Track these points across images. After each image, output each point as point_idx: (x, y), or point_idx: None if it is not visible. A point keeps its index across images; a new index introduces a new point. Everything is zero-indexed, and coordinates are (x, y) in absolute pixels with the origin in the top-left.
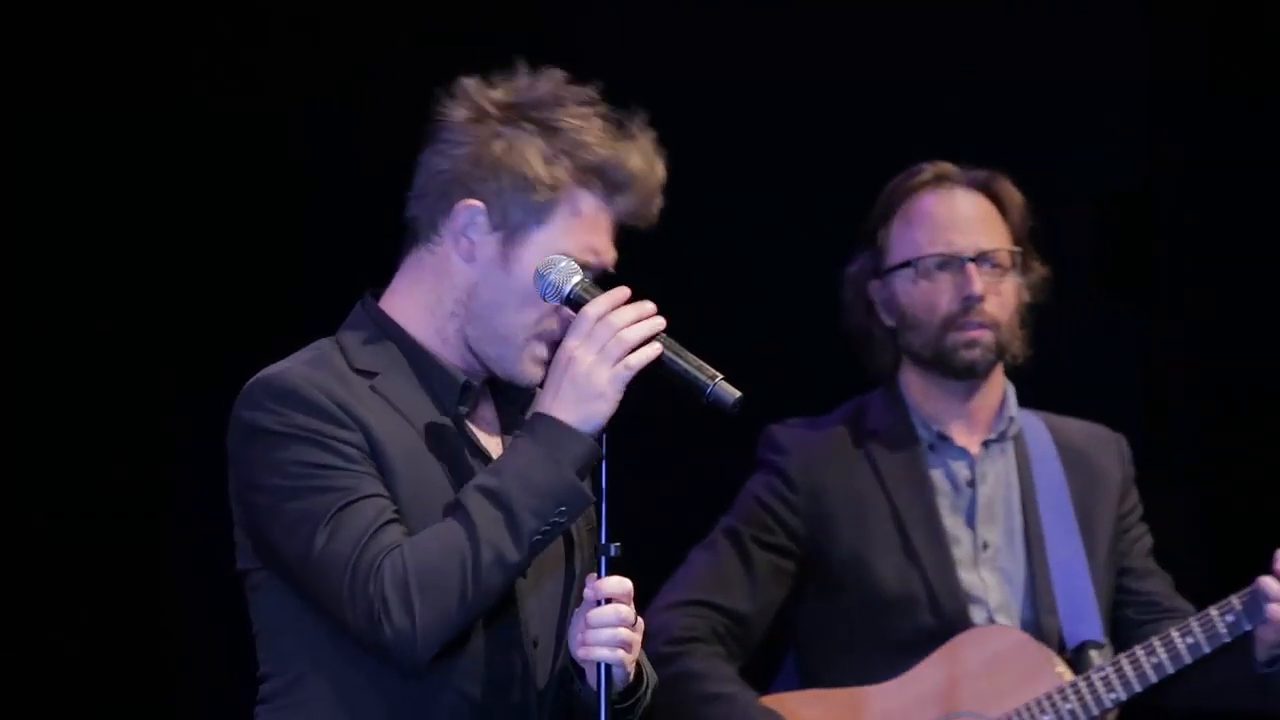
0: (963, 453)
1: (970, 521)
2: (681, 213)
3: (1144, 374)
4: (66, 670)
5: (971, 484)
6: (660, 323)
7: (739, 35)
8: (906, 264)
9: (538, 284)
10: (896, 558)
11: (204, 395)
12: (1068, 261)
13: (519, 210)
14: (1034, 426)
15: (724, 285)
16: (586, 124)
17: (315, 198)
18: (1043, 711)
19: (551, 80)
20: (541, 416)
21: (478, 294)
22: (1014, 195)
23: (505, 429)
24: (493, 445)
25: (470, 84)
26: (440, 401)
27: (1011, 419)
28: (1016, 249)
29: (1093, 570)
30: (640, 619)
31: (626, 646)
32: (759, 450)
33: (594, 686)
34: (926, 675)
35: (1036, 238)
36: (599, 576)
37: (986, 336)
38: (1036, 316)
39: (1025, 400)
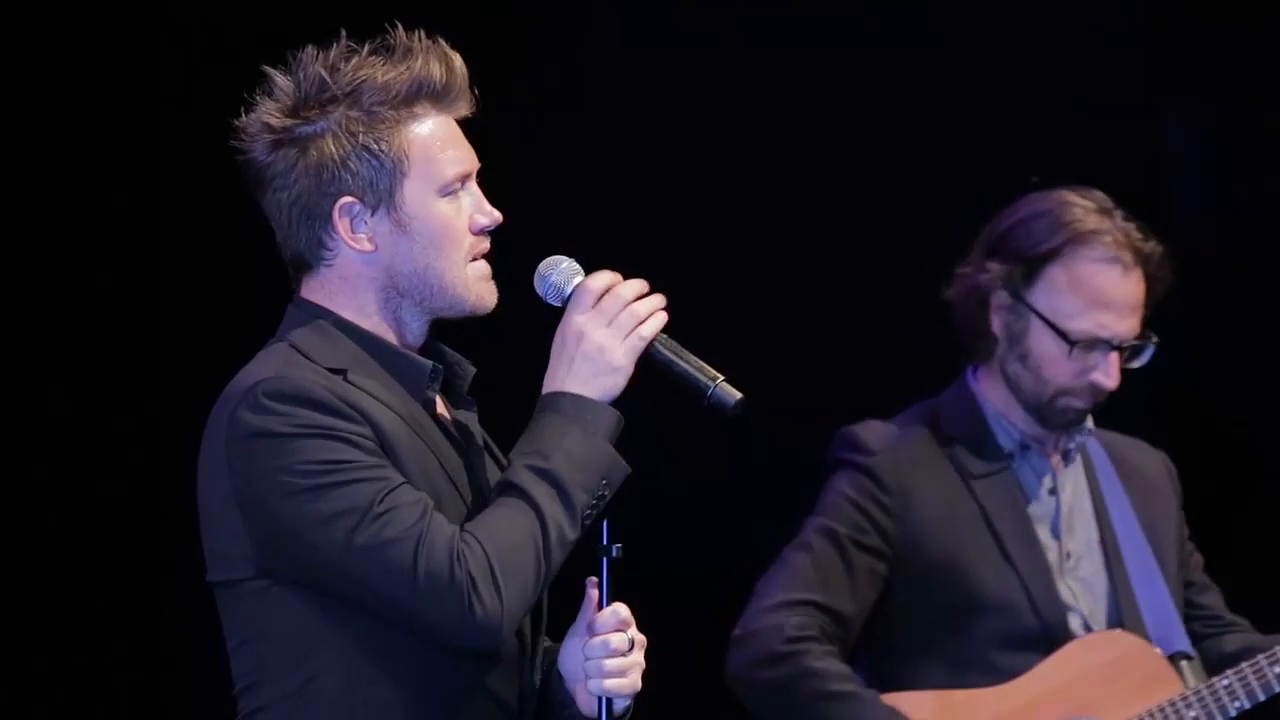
0: (1044, 462)
1: (1055, 531)
2: (682, 213)
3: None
4: (65, 671)
5: (1054, 493)
6: (661, 299)
7: (739, 36)
8: (1057, 329)
9: (538, 285)
10: (994, 562)
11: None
12: None
13: (381, 176)
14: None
15: (725, 285)
16: (366, 69)
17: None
18: (1165, 718)
19: (308, 63)
20: (561, 393)
21: (398, 269)
22: (1166, 274)
23: (454, 404)
24: (455, 425)
25: (246, 120)
26: (410, 388)
27: (1090, 432)
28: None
29: (1167, 582)
30: (641, 637)
31: (618, 675)
32: (838, 450)
33: (587, 712)
34: (1045, 678)
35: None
36: (599, 579)
37: (1090, 406)
38: None
39: None
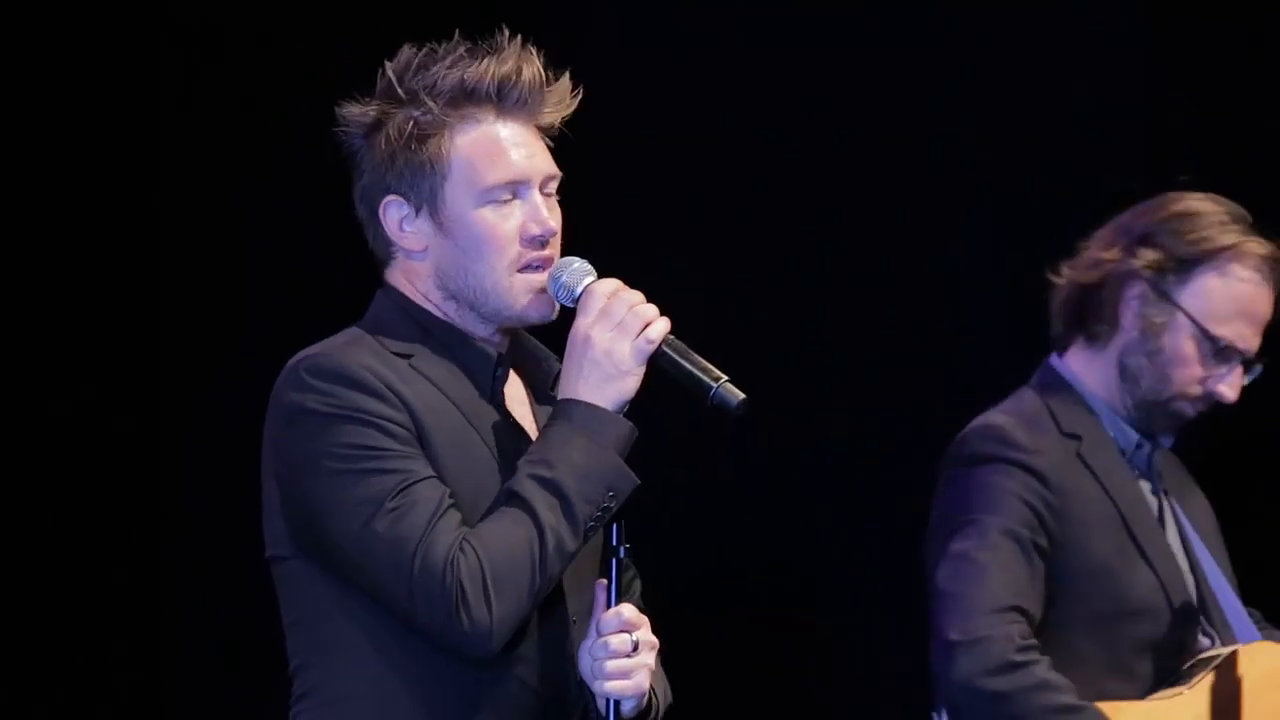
0: (1146, 462)
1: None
2: (683, 214)
3: None
4: (65, 671)
5: (1155, 494)
6: (666, 322)
7: (741, 35)
8: (1199, 325)
9: (550, 285)
10: (1141, 566)
11: (202, 393)
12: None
13: (421, 179)
14: None
15: (726, 286)
16: (438, 66)
17: (314, 196)
18: None
19: (399, 59)
20: (574, 401)
21: (445, 271)
22: None
23: (538, 400)
24: (527, 420)
25: (343, 109)
26: (476, 379)
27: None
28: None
29: (1232, 585)
30: (650, 638)
31: (621, 676)
32: (987, 445)
33: (602, 712)
34: (1216, 689)
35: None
36: (608, 579)
37: (1197, 415)
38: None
39: None
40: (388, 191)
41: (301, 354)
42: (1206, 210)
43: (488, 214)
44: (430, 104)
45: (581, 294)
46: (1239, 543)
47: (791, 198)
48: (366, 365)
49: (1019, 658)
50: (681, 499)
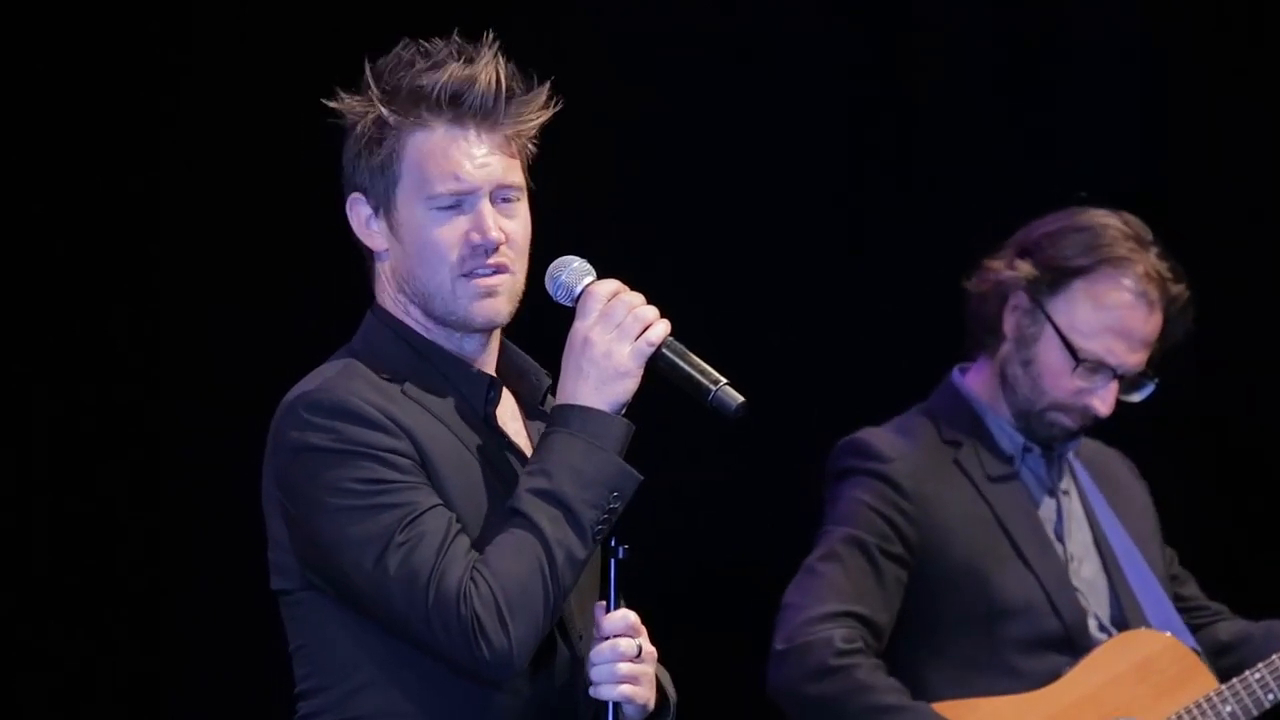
0: (1043, 465)
1: (1059, 534)
2: (683, 215)
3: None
4: (65, 671)
5: (1053, 495)
6: (666, 325)
7: (742, 34)
8: (1068, 344)
9: (549, 285)
10: (1012, 566)
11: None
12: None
13: (377, 179)
14: None
15: (727, 287)
16: (406, 73)
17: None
18: (1203, 714)
19: (386, 59)
20: (570, 406)
21: (400, 274)
22: (1186, 319)
23: (529, 415)
24: (520, 438)
25: (329, 104)
26: (467, 400)
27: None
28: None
29: (1159, 580)
30: (649, 648)
31: (631, 680)
32: (846, 459)
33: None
34: (1081, 681)
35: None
36: (607, 581)
37: (1079, 428)
38: None
39: None
40: (354, 189)
41: (298, 390)
42: (1096, 225)
43: (431, 220)
44: (387, 107)
45: (581, 294)
46: (1239, 543)
47: (792, 198)
48: (365, 397)
49: (836, 662)
50: (680, 503)
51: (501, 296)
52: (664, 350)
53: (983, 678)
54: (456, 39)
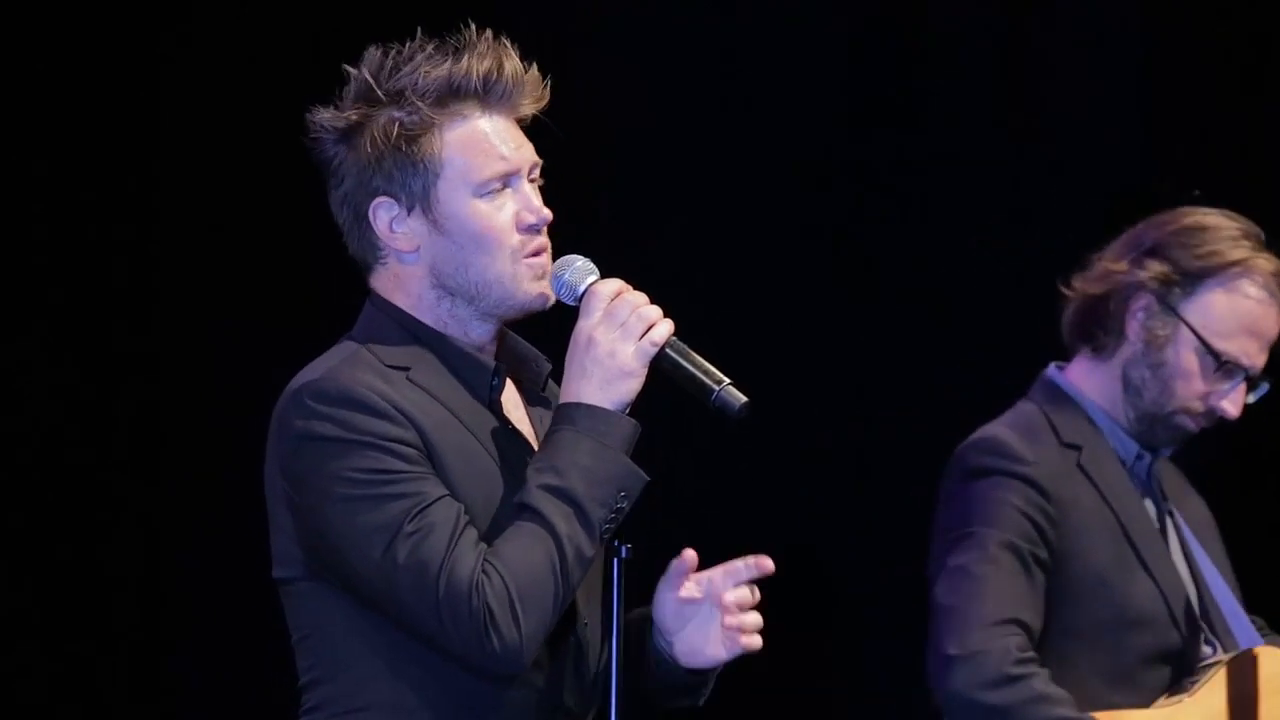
0: (1147, 472)
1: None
2: (683, 215)
3: None
4: (65, 670)
5: (1155, 504)
6: (670, 324)
7: (742, 35)
8: (1202, 340)
9: (552, 284)
10: (1140, 576)
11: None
12: (1068, 262)
13: (414, 178)
14: None
15: (729, 287)
16: (413, 70)
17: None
18: None
19: (367, 61)
20: (576, 405)
21: (441, 268)
22: None
23: (530, 401)
24: (524, 424)
25: (315, 117)
26: (472, 388)
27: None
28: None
29: (1234, 590)
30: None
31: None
32: (984, 457)
33: (686, 662)
34: (1218, 695)
35: None
36: (610, 580)
37: (1198, 430)
38: (1039, 316)
39: None
40: (376, 194)
41: (302, 378)
42: (1218, 225)
43: (483, 207)
44: (417, 103)
45: (584, 293)
46: (1239, 544)
47: (794, 199)
48: (369, 385)
49: (1016, 670)
50: (681, 503)
51: (547, 278)
52: (667, 350)
53: (1107, 689)
54: (423, 37)
